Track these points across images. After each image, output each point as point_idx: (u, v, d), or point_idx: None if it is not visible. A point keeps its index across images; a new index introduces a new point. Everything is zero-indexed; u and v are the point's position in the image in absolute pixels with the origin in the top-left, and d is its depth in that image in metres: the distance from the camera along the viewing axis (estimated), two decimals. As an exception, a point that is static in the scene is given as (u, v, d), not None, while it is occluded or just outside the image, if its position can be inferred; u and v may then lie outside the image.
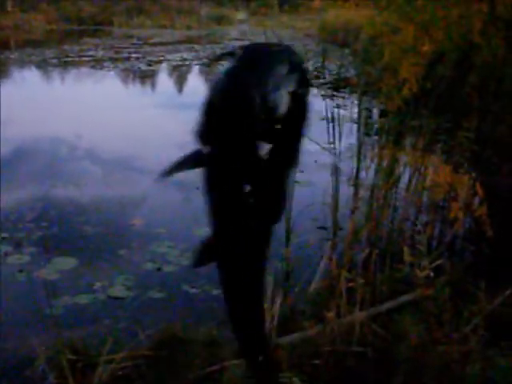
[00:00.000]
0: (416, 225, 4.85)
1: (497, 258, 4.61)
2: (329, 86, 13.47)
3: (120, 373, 3.11)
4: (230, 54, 1.52)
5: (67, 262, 4.74)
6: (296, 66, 1.51)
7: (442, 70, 5.06)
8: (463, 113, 5.37)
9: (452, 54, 5.17)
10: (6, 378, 3.17)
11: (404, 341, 3.07)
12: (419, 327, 3.14)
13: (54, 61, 18.69)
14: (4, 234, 5.19)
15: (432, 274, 3.26)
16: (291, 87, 1.47)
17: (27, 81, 15.63)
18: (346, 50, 17.47)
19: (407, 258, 3.34)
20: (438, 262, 3.38)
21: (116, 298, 4.23)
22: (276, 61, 1.47)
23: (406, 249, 3.37)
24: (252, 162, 1.50)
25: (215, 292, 4.18)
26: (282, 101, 1.44)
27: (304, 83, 1.54)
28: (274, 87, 1.43)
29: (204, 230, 4.96)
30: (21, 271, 4.59)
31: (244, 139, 1.46)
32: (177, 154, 1.68)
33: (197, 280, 4.35)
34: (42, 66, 17.77)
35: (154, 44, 24.85)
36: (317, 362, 3.12)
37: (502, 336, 2.98)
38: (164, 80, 16.36)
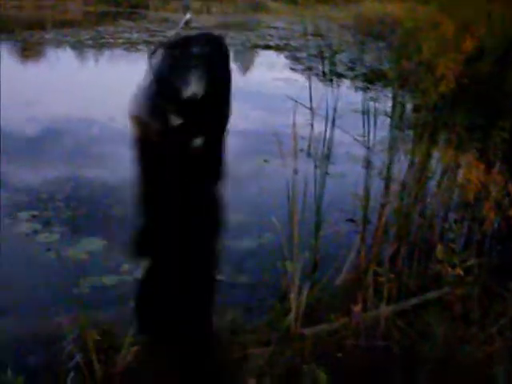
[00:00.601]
0: (446, 222, 4.81)
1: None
2: (363, 78, 13.39)
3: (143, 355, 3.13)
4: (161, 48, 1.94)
5: (95, 243, 4.77)
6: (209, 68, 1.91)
7: (481, 67, 5.01)
8: (499, 111, 5.31)
9: (492, 50, 5.11)
10: (33, 355, 3.20)
11: (429, 338, 3.06)
12: (445, 325, 3.12)
13: (89, 42, 18.80)
14: (34, 212, 5.24)
15: (462, 273, 3.24)
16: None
17: (61, 61, 15.72)
18: (382, 43, 17.38)
19: (440, 255, 3.32)
20: (471, 261, 3.36)
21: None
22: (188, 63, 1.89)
23: (439, 246, 3.35)
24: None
25: (240, 279, 4.19)
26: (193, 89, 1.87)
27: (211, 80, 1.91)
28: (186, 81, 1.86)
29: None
30: (48, 250, 4.62)
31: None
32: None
33: (222, 267, 4.35)
34: (77, 46, 17.87)
35: (190, 28, 24.83)
36: (341, 354, 3.12)
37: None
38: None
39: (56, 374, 2.96)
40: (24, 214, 5.18)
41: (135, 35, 21.42)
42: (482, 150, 5.45)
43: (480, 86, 4.78)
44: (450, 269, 3.21)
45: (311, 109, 5.08)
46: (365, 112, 5.48)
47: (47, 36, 20.33)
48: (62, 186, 5.92)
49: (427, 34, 5.29)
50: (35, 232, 4.89)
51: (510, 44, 5.20)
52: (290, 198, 3.54)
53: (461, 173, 4.61)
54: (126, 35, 21.18)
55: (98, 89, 11.41)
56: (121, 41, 19.31)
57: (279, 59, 17.75)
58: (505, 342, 2.98)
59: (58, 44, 18.39)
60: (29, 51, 17.17)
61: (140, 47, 18.09)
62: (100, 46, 18.17)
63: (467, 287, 3.27)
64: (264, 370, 2.91)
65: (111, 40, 19.49)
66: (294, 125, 3.62)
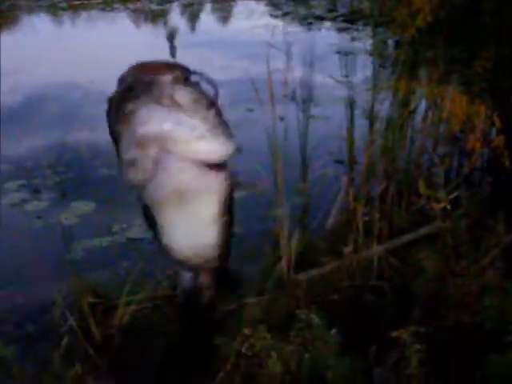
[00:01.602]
0: (433, 157, 4.79)
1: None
2: (343, 18, 13.23)
3: (140, 314, 3.15)
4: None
5: (85, 206, 4.76)
6: None
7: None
8: (480, 42, 5.25)
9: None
10: (28, 322, 3.21)
11: (422, 274, 3.07)
12: (437, 260, 3.13)
13: (63, 5, 18.48)
14: (21, 181, 5.21)
15: (449, 207, 3.22)
16: None
17: (37, 27, 15.45)
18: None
19: (423, 190, 3.31)
20: (455, 194, 3.34)
21: (134, 240, 4.24)
22: None
23: (421, 181, 3.33)
24: None
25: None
26: None
27: None
28: None
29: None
30: (39, 217, 4.61)
31: None
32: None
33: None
34: (51, 10, 17.58)
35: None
36: (335, 297, 3.14)
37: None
38: (176, 19, 16.14)
39: (51, 339, 2.97)
40: (11, 185, 5.16)
41: (110, -6, 21.03)
42: (465, 82, 5.40)
43: (458, 18, 4.70)
44: (435, 203, 3.20)
45: (287, 53, 5.00)
46: (346, 53, 5.42)
47: (19, 2, 19.97)
48: (47, 153, 5.89)
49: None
50: (24, 201, 4.88)
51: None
52: (271, 144, 3.49)
53: (445, 106, 4.58)
54: (101, -6, 20.80)
55: (77, 52, 11.25)
56: (95, 1, 18.97)
57: (258, 7, 17.50)
58: (496, 274, 2.98)
59: (31, 10, 18.07)
60: (1, 19, 16.86)
61: (116, 6, 17.81)
62: (75, 8, 17.86)
63: (456, 220, 3.27)
64: (260, 318, 2.92)
65: (85, 1, 19.15)
66: (269, 71, 3.55)
